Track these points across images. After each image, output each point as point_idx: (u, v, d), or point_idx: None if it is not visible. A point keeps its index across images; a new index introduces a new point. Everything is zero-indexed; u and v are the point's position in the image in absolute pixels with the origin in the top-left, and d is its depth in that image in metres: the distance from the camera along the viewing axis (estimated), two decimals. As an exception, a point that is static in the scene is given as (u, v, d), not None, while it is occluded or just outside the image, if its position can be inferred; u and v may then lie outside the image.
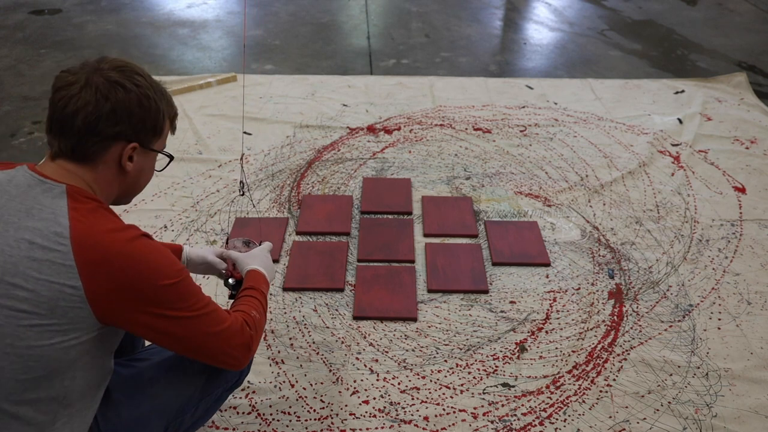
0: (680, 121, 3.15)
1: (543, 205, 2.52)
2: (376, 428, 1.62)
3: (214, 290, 2.02)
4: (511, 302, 2.04)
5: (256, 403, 1.68)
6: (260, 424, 1.62)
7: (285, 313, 1.97)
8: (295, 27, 4.28)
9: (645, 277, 2.16)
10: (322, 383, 1.74)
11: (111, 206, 1.18)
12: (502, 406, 1.69)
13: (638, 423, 1.65)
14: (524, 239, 2.30)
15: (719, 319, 1.99)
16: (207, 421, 1.50)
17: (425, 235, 2.33)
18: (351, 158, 2.80)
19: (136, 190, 1.23)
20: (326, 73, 3.61)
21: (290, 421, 1.63)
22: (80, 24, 4.22)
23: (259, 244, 1.51)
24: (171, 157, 1.25)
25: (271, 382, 1.74)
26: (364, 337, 1.89)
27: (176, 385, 1.29)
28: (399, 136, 2.98)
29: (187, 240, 2.26)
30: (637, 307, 2.03)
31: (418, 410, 1.67)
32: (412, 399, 1.70)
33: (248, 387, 1.72)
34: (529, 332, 1.93)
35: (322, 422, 1.63)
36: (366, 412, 1.66)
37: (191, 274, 1.50)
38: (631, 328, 1.95)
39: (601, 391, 1.74)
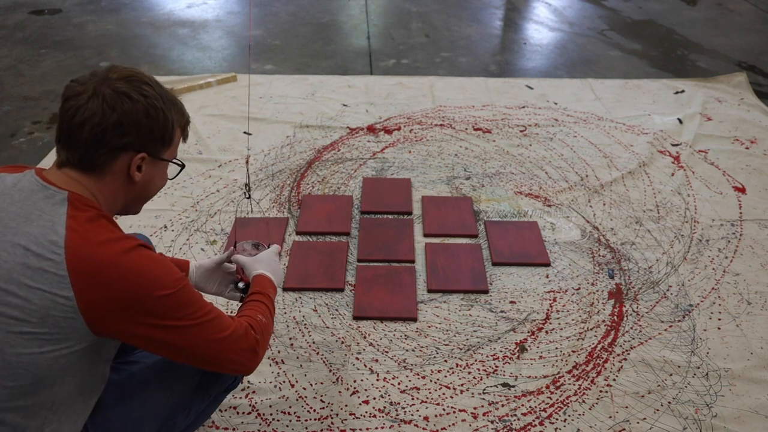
0: (680, 121, 3.15)
1: (543, 205, 2.52)
2: (376, 428, 1.62)
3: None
4: (511, 302, 2.04)
5: (256, 403, 1.68)
6: (260, 424, 1.62)
7: (285, 313, 1.97)
8: (295, 27, 4.28)
9: (645, 277, 2.16)
10: (322, 383, 1.74)
11: (121, 215, 1.18)
12: (502, 406, 1.69)
13: (638, 423, 1.65)
14: (524, 239, 2.30)
15: (719, 319, 1.99)
16: (204, 422, 1.50)
17: (425, 235, 2.33)
18: (351, 158, 2.80)
19: (146, 199, 1.21)
20: (326, 73, 3.61)
21: (290, 421, 1.63)
22: (80, 24, 4.22)
23: (268, 247, 1.49)
24: (182, 166, 1.24)
25: (271, 382, 1.74)
26: (364, 337, 1.89)
27: (167, 388, 1.27)
28: (399, 136, 2.98)
29: (187, 240, 2.26)
30: (637, 307, 2.03)
31: (418, 410, 1.67)
32: (412, 399, 1.70)
33: (248, 387, 1.72)
34: (529, 332, 1.93)
35: (322, 422, 1.63)
36: (366, 412, 1.66)
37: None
38: (631, 328, 1.95)
39: (601, 391, 1.74)
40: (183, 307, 1.08)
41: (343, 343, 1.87)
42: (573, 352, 1.87)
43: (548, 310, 2.01)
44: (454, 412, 1.67)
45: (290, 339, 1.88)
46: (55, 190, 1.05)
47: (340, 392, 1.72)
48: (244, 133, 2.94)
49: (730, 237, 2.36)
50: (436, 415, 1.66)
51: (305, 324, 1.93)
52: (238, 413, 1.65)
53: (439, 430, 1.62)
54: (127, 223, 2.28)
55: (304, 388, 1.73)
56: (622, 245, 2.30)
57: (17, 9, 4.43)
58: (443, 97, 3.35)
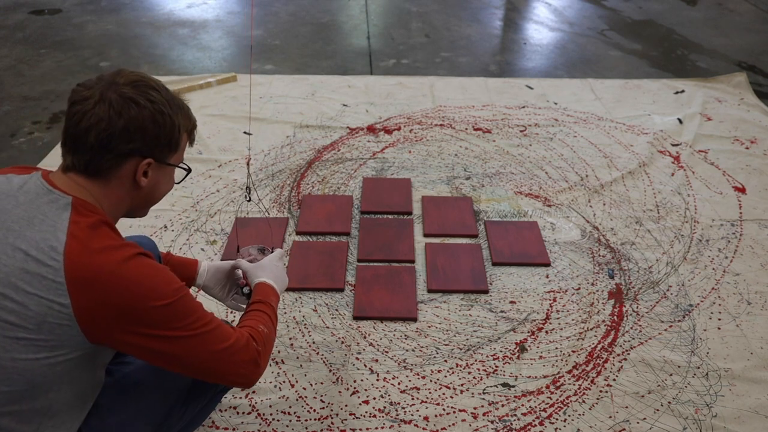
0: (680, 121, 3.15)
1: (543, 205, 2.52)
2: (376, 428, 1.62)
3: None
4: (511, 302, 2.04)
5: (256, 403, 1.68)
6: (260, 424, 1.62)
7: (285, 313, 1.97)
8: (295, 27, 4.28)
9: (645, 277, 2.16)
10: (322, 383, 1.74)
11: (127, 217, 1.17)
12: (502, 406, 1.69)
13: (638, 423, 1.65)
14: (524, 239, 2.30)
15: (719, 319, 1.99)
16: (203, 422, 1.50)
17: (425, 235, 2.33)
18: (351, 158, 2.80)
19: (152, 203, 1.20)
20: (326, 73, 3.61)
21: (290, 421, 1.63)
22: (80, 24, 4.22)
23: (272, 250, 1.48)
24: (189, 170, 1.24)
25: (271, 382, 1.74)
26: (364, 337, 1.89)
27: (162, 388, 1.27)
28: (399, 136, 2.98)
29: (187, 240, 2.26)
30: (637, 307, 2.03)
31: (418, 410, 1.67)
32: (412, 399, 1.70)
33: (248, 387, 1.72)
34: (529, 332, 1.93)
35: (322, 422, 1.63)
36: (366, 412, 1.66)
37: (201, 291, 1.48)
38: (631, 328, 1.95)
39: (601, 391, 1.74)
40: (181, 317, 1.06)
41: (343, 343, 1.87)
42: (573, 352, 1.87)
43: (548, 310, 2.01)
44: (454, 412, 1.67)
45: (290, 339, 1.88)
46: (59, 194, 1.04)
47: (340, 392, 1.72)
48: (245, 133, 2.94)
49: (730, 237, 2.36)
50: (436, 415, 1.66)
51: (305, 324, 1.93)
52: (238, 413, 1.65)
53: (439, 430, 1.62)
54: (127, 223, 2.28)
55: (304, 388, 1.73)
56: (622, 245, 2.30)
57: (17, 9, 4.43)
58: (443, 97, 3.35)
